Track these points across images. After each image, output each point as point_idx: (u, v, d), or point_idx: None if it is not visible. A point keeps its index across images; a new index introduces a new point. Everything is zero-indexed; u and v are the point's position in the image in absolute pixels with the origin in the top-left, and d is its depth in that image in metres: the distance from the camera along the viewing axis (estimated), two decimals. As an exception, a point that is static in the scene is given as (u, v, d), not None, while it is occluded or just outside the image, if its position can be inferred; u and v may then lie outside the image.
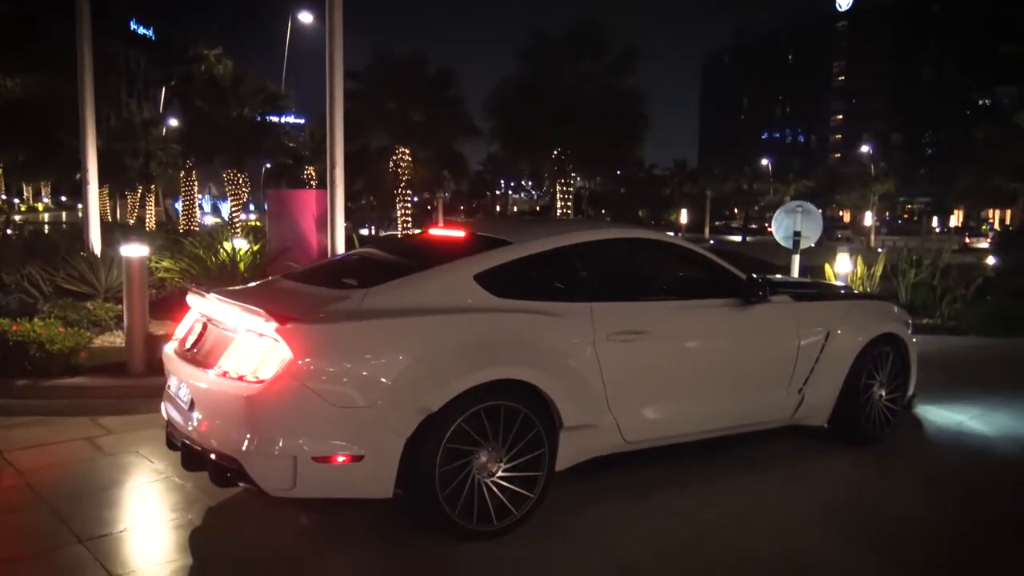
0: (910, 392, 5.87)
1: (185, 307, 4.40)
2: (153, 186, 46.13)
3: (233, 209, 34.59)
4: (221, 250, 10.51)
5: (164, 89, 38.31)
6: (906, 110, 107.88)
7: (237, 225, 29.47)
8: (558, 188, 29.03)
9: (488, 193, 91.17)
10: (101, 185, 13.50)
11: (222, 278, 10.30)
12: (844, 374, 5.27)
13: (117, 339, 7.58)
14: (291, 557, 3.60)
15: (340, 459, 3.52)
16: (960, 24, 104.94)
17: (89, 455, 4.88)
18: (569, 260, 4.55)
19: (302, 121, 43.24)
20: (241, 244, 10.87)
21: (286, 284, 4.49)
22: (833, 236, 58.96)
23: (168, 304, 9.82)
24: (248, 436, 3.48)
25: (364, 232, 48.59)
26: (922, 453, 5.50)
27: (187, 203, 37.74)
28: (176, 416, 3.98)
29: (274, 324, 3.49)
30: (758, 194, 75.73)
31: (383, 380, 3.59)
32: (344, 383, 3.55)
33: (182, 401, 3.93)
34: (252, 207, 43.14)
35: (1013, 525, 4.31)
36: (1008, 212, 55.56)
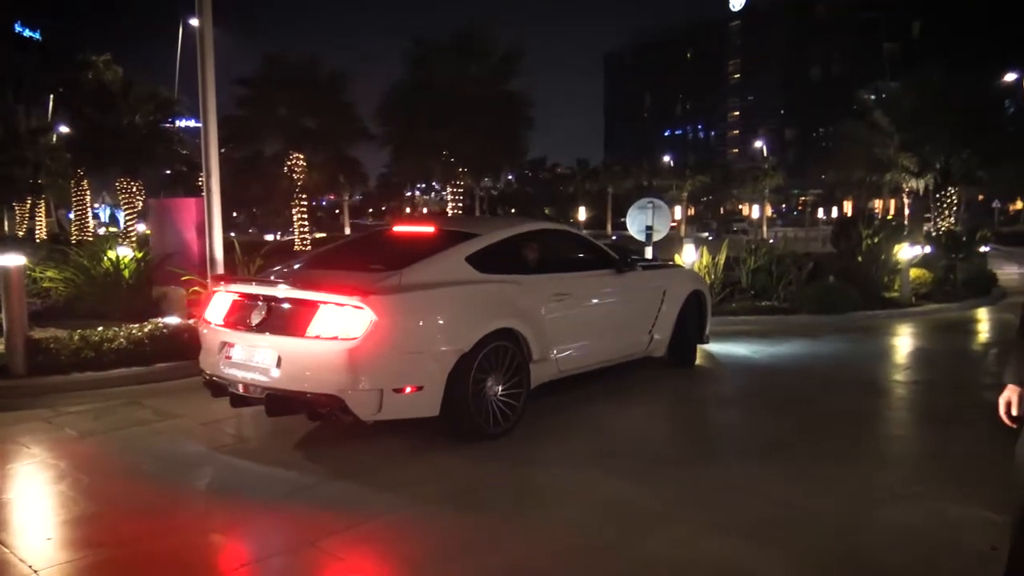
0: (707, 331, 8.48)
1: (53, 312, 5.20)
2: (43, 197, 44.67)
3: (128, 218, 34.06)
4: (105, 259, 10.86)
5: (52, 96, 37.09)
6: (798, 106, 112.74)
7: (132, 234, 29.15)
8: (450, 190, 29.76)
9: (396, 194, 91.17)
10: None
11: (107, 286, 10.71)
12: (675, 318, 7.77)
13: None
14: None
15: (408, 390, 5.04)
16: (844, 24, 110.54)
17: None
18: (519, 245, 6.40)
19: (200, 125, 42.67)
20: (126, 252, 11.23)
21: (316, 271, 5.79)
22: (730, 228, 61.55)
23: (54, 312, 10.22)
24: (350, 377, 4.84)
25: (269, 237, 48.21)
26: (719, 364, 8.65)
27: (79, 213, 36.88)
28: (250, 376, 5.20)
29: (358, 297, 4.89)
30: (659, 190, 78.09)
31: (432, 331, 5.21)
32: (409, 335, 5.08)
33: (258, 363, 5.17)
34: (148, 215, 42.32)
35: (777, 395, 7.43)
36: (892, 202, 59.25)
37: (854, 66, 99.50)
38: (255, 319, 5.27)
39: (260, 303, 5.33)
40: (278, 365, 5.07)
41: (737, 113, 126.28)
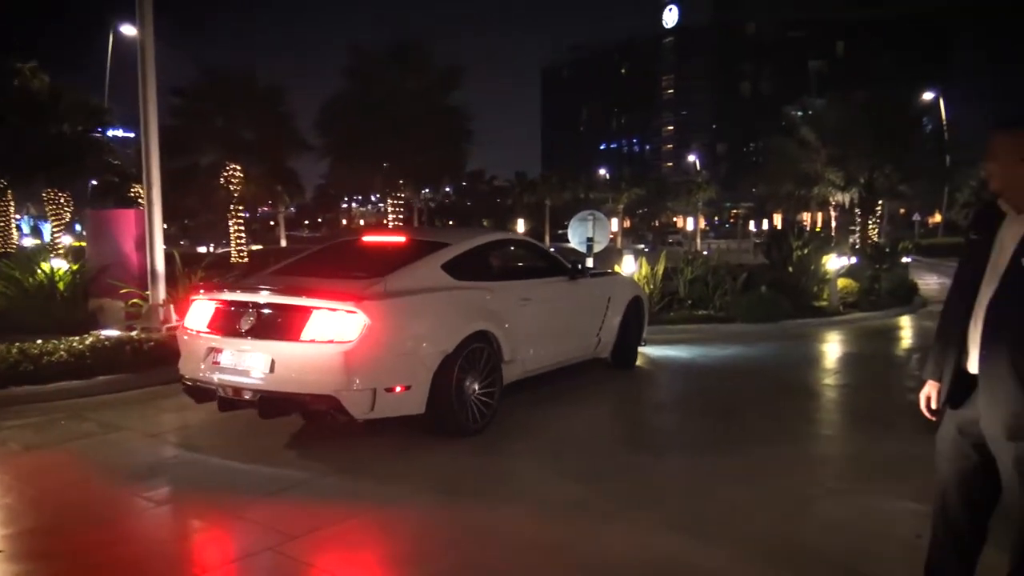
0: (644, 334, 8.97)
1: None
2: (-37, 207, 42.90)
3: (55, 230, 32.99)
4: (39, 271, 10.61)
5: (-27, 104, 35.69)
6: (729, 121, 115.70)
7: (59, 246, 28.27)
8: (390, 202, 29.73)
9: (333, 206, 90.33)
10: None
11: (40, 298, 10.45)
12: (619, 323, 8.23)
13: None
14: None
15: (398, 389, 5.33)
16: (773, 42, 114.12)
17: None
18: (484, 254, 6.85)
19: (132, 135, 41.59)
20: (60, 264, 10.99)
21: (301, 279, 5.87)
22: (666, 240, 62.70)
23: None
24: (344, 378, 5.07)
25: (203, 249, 47.23)
26: (660, 367, 9.09)
27: (2, 224, 35.52)
28: (241, 380, 5.35)
29: (352, 303, 5.12)
30: (596, 202, 79.08)
31: (419, 334, 5.52)
32: (399, 337, 5.37)
33: (250, 367, 5.32)
34: (78, 227, 41.00)
35: (716, 398, 7.82)
36: (820, 215, 61.17)
37: (782, 83, 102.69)
38: (245, 325, 5.43)
39: (250, 310, 5.48)
40: (271, 368, 5.24)
41: (671, 128, 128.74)
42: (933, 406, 3.08)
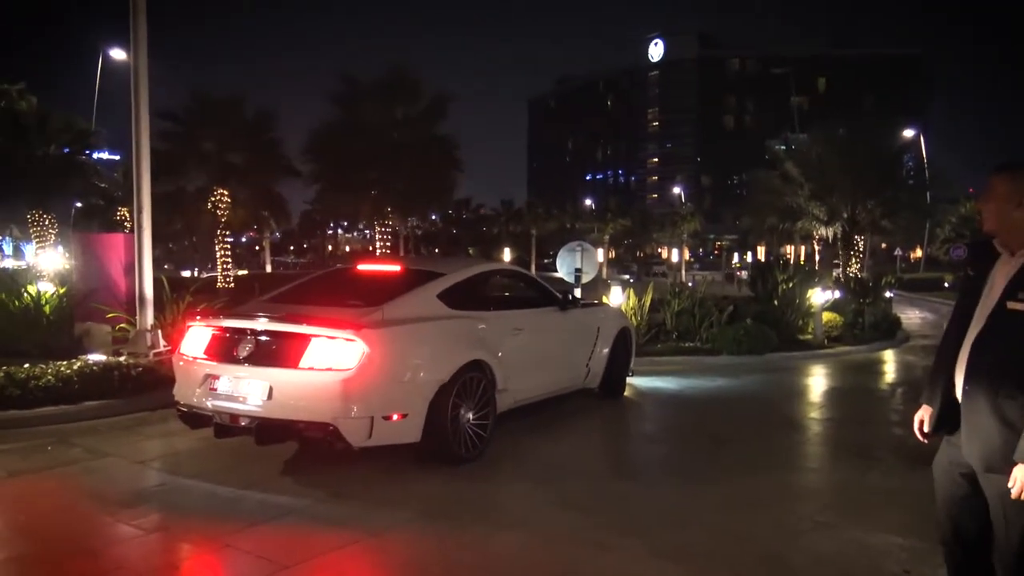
0: (631, 365, 9.04)
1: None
2: (-56, 228, 42.58)
3: (39, 252, 32.76)
4: (25, 294, 10.54)
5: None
6: (713, 154, 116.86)
7: (42, 269, 28.04)
8: (377, 229, 29.79)
9: (319, 232, 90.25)
10: None
11: (25, 322, 10.37)
12: (608, 353, 8.28)
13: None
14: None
15: (395, 417, 5.35)
16: (756, 77, 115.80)
17: None
18: (478, 283, 6.96)
19: (117, 158, 41.54)
20: (46, 287, 10.92)
21: (298, 307, 5.90)
22: (651, 271, 63.09)
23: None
24: (343, 406, 5.08)
25: (187, 274, 47.02)
26: (648, 398, 9.13)
27: (-15, 246, 35.26)
28: (238, 407, 5.34)
29: (351, 331, 5.14)
30: (581, 232, 79.68)
31: (417, 362, 5.55)
32: (397, 366, 5.40)
33: (247, 394, 5.32)
34: (61, 249, 40.74)
35: (702, 430, 7.77)
36: (803, 248, 61.80)
37: (765, 118, 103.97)
38: (243, 352, 5.43)
39: (248, 336, 5.49)
40: (269, 396, 5.25)
41: (656, 159, 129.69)
42: (926, 429, 3.18)
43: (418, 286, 6.23)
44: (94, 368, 7.54)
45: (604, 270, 60.75)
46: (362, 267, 7.33)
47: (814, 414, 8.75)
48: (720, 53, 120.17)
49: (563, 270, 12.60)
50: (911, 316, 21.90)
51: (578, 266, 12.38)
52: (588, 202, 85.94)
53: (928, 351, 14.49)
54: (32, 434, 6.53)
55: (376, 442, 5.32)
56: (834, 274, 25.94)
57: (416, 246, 72.62)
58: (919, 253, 61.89)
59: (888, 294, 18.55)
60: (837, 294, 16.13)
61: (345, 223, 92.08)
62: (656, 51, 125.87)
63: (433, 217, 70.66)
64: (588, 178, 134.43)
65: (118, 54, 34.99)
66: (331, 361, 5.16)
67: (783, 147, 33.78)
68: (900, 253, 58.79)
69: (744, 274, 61.20)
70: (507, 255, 68.59)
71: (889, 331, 15.69)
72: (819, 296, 13.98)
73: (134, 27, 9.06)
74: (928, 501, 3.30)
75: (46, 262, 31.02)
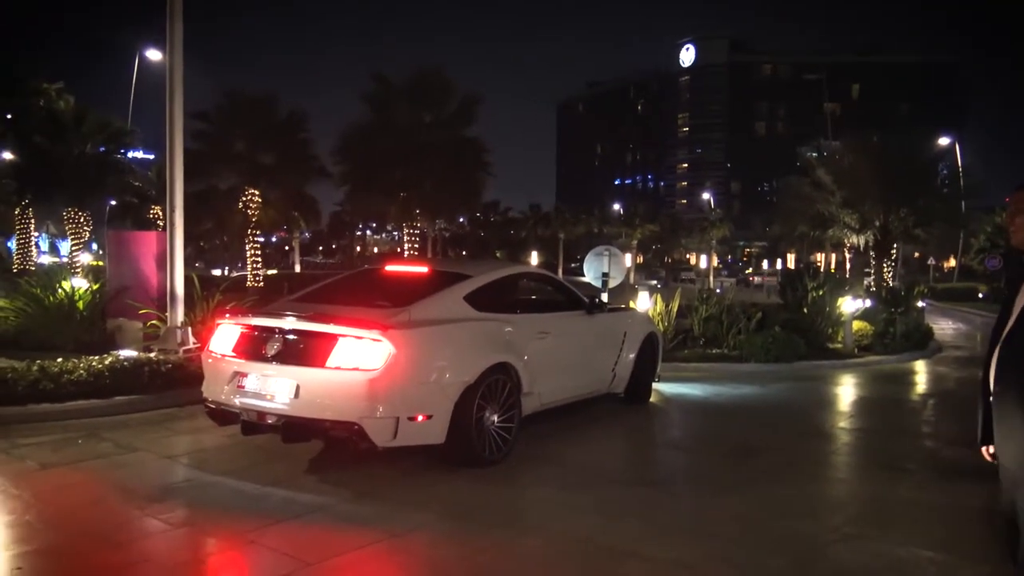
0: (658, 371, 9.01)
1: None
2: (-17, 224, 43.37)
3: (74, 248, 33.35)
4: (59, 289, 10.72)
5: (-2, 121, 36.28)
6: (743, 160, 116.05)
7: (77, 265, 28.53)
8: (406, 231, 29.94)
9: (347, 233, 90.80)
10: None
11: (59, 317, 10.55)
12: (634, 358, 8.22)
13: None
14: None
15: (420, 418, 5.36)
16: (788, 83, 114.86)
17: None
18: (505, 286, 6.91)
19: (151, 157, 42.15)
20: (80, 283, 11.10)
21: (326, 306, 5.93)
22: (679, 277, 62.68)
23: (3, 343, 10.01)
24: (368, 406, 5.13)
25: (217, 272, 47.54)
26: (674, 405, 9.07)
27: (22, 242, 35.92)
28: (266, 404, 5.40)
29: (378, 331, 5.17)
30: (609, 237, 79.39)
31: (442, 364, 5.56)
32: (423, 367, 5.42)
33: (274, 392, 5.38)
34: (95, 246, 41.40)
35: (729, 438, 7.61)
36: (833, 256, 61.11)
37: (797, 124, 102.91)
38: (271, 350, 5.50)
39: (276, 335, 5.55)
40: (296, 394, 5.31)
41: (685, 165, 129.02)
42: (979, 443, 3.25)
43: (445, 288, 6.26)
44: (125, 364, 7.65)
45: (632, 275, 60.50)
46: (390, 268, 7.35)
47: (843, 424, 8.64)
48: (752, 58, 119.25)
49: (590, 274, 12.56)
50: (944, 327, 21.55)
51: (605, 271, 12.35)
52: (616, 207, 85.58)
53: (961, 362, 14.26)
54: (64, 427, 6.64)
55: (401, 442, 5.34)
56: (865, 283, 25.61)
57: (444, 248, 72.83)
58: (953, 263, 60.90)
59: (920, 304, 18.24)
60: (868, 303, 15.91)
61: (374, 224, 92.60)
62: (687, 56, 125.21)
63: (461, 220, 70.75)
64: (617, 183, 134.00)
65: (154, 55, 35.57)
66: (358, 361, 5.20)
67: (815, 154, 33.42)
68: (933, 262, 57.93)
69: (756, 279, 60.93)
70: (534, 259, 68.41)
71: (921, 341, 15.44)
72: (849, 304, 13.81)
73: (170, 30, 9.20)
74: (960, 515, 3.25)
75: (83, 258, 31.66)
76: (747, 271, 69.86)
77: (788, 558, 4.33)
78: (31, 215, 35.85)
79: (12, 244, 39.50)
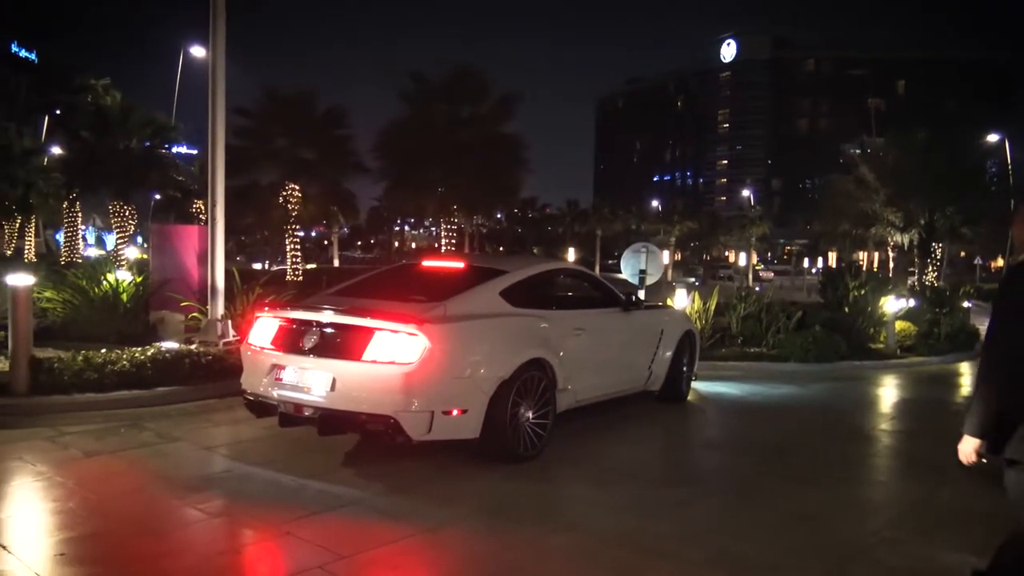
0: (695, 369, 8.91)
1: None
2: (33, 216, 44.49)
3: (119, 242, 34.02)
4: (104, 281, 10.93)
5: (47, 117, 37.13)
6: (784, 157, 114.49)
7: (122, 258, 29.12)
8: (443, 226, 30.09)
9: (385, 228, 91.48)
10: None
11: (103, 308, 10.76)
12: (671, 356, 8.16)
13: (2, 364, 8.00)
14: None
15: (455, 412, 5.40)
16: (831, 79, 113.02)
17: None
18: (542, 282, 6.88)
19: (195, 152, 42.81)
20: (124, 276, 11.31)
21: (363, 300, 6.01)
22: (717, 275, 62.09)
23: (51, 333, 10.24)
24: (404, 399, 5.16)
25: (257, 266, 48.17)
26: (711, 404, 8.99)
27: (69, 234, 36.75)
28: (303, 397, 5.45)
29: (414, 325, 5.22)
30: (648, 234, 78.86)
31: (477, 359, 5.57)
32: (458, 361, 5.43)
33: (311, 384, 5.43)
34: (140, 240, 42.22)
35: (767, 438, 7.42)
36: (876, 255, 60.06)
37: (840, 121, 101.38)
38: (308, 343, 5.56)
39: (314, 328, 5.60)
40: (332, 387, 5.36)
41: (725, 162, 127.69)
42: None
43: (481, 283, 6.26)
44: (167, 355, 7.77)
45: (669, 272, 60.06)
46: (427, 263, 7.36)
47: (884, 426, 8.48)
48: (794, 54, 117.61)
49: (627, 271, 12.49)
50: (990, 328, 21.03)
51: (643, 268, 12.27)
52: (655, 203, 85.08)
53: (1008, 365, 13.89)
54: (107, 416, 6.76)
55: (435, 436, 5.36)
56: (908, 282, 25.12)
57: (481, 244, 72.99)
58: (1000, 262, 59.45)
59: (966, 304, 17.88)
60: (911, 303, 15.59)
61: (411, 220, 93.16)
62: (728, 52, 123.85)
63: (498, 215, 70.89)
64: (655, 179, 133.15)
65: (198, 51, 36.12)
66: (393, 354, 5.23)
67: (858, 151, 32.83)
68: (980, 262, 56.53)
69: (771, 275, 59.97)
70: (571, 255, 68.21)
71: (966, 343, 15.08)
72: (892, 304, 13.55)
73: (213, 29, 9.32)
74: (1006, 522, 3.17)
75: (129, 252, 32.30)
76: (758, 266, 68.77)
77: (825, 560, 4.26)
78: (78, 209, 36.67)
79: (60, 237, 40.48)
